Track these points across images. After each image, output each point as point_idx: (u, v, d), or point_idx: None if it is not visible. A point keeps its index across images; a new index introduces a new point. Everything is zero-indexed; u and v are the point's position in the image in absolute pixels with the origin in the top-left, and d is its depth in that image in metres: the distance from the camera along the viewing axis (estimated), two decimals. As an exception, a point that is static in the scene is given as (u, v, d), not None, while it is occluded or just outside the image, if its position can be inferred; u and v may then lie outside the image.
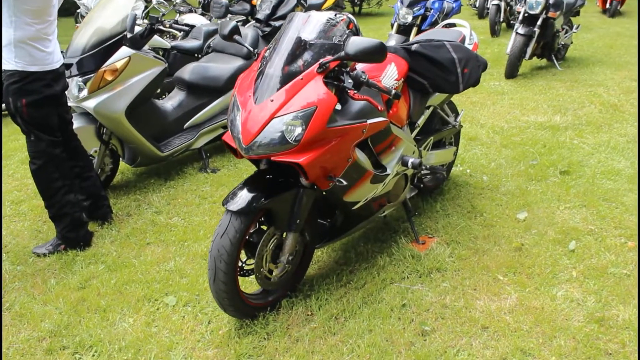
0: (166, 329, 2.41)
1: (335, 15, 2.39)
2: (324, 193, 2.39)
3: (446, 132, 3.33)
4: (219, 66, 4.20)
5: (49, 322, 2.48)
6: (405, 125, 2.81)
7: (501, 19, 9.09)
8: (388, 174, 2.58)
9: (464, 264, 2.77)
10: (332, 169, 2.27)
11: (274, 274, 2.42)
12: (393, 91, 2.24)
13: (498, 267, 2.73)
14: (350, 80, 2.21)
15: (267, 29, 4.47)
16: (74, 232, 3.07)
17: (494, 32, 8.95)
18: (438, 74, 2.84)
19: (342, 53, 2.10)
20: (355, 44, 2.06)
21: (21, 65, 2.71)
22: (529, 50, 6.29)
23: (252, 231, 2.34)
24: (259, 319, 2.40)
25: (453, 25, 3.55)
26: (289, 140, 2.10)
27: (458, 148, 3.71)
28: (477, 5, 11.34)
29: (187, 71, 4.15)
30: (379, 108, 2.23)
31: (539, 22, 6.20)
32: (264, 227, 2.38)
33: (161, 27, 3.73)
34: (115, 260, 2.98)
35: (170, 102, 4.12)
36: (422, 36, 3.35)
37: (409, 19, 6.08)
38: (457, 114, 3.42)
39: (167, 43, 5.38)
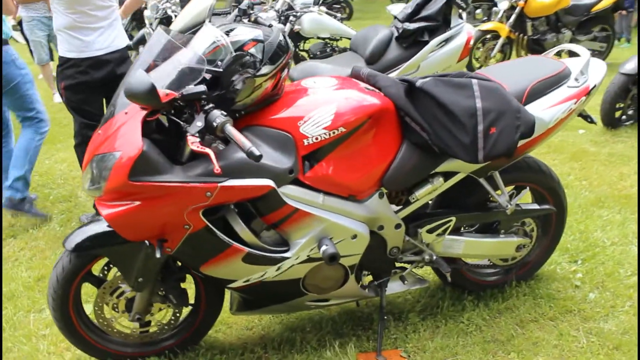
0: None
1: (230, 31, 1.78)
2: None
3: (487, 215, 2.21)
4: (330, 68, 3.73)
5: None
6: (373, 195, 1.94)
7: None
8: (285, 258, 1.86)
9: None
10: (163, 233, 1.75)
11: (132, 326, 2.08)
12: (248, 148, 1.54)
13: None
14: (199, 123, 1.63)
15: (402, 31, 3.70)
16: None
17: None
18: (446, 126, 1.88)
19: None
20: (129, 80, 1.51)
21: (62, 51, 2.93)
22: None
23: None
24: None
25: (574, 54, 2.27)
26: (94, 187, 1.71)
27: (550, 242, 2.45)
28: None
29: (298, 69, 3.82)
30: (215, 169, 1.58)
31: None
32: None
33: (245, 21, 3.49)
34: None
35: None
36: (494, 67, 2.26)
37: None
38: (519, 191, 2.23)
39: (352, 32, 5.13)
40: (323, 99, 1.85)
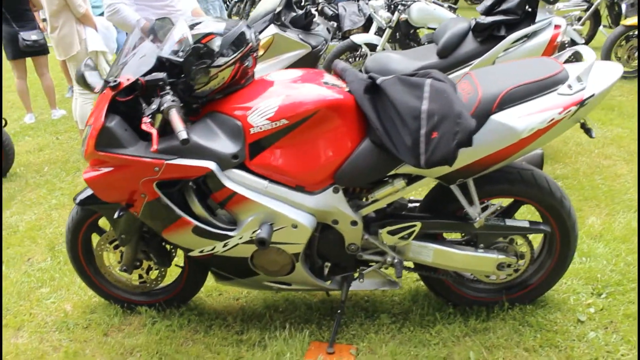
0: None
1: (195, 25, 1.95)
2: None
3: (454, 225, 2.07)
4: (404, 60, 3.66)
5: None
6: (327, 188, 1.99)
7: None
8: (230, 236, 2.00)
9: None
10: (128, 199, 2.02)
11: (126, 277, 2.42)
12: (178, 132, 1.72)
13: None
14: (154, 106, 1.86)
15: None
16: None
17: None
18: (396, 126, 1.86)
19: None
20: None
21: None
22: None
23: None
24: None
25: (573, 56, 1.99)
26: (82, 153, 2.05)
27: (554, 267, 2.20)
28: None
29: (371, 59, 3.83)
30: (152, 148, 1.77)
31: None
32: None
33: (312, 10, 3.59)
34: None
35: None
36: (487, 68, 2.09)
37: None
38: (518, 206, 2.06)
39: (452, 15, 5.00)
40: (274, 91, 1.94)
